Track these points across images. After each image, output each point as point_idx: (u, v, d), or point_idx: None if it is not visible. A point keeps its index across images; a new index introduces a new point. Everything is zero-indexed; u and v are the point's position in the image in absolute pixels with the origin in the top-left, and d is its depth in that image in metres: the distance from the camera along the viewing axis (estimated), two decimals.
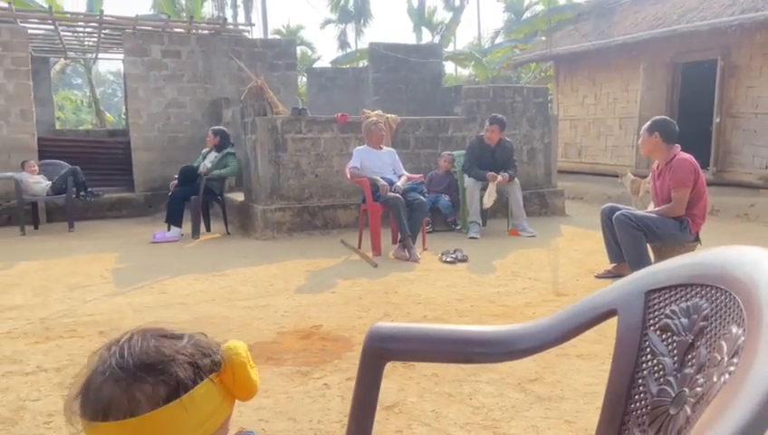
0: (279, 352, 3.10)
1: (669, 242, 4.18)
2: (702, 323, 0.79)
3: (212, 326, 3.47)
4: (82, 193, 7.47)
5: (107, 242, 6.62)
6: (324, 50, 71.67)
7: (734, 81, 8.21)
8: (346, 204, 7.10)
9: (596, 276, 4.58)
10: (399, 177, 6.03)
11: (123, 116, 13.16)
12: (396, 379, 2.71)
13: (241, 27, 10.26)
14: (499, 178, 6.49)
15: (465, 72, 23.72)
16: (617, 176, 8.30)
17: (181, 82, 9.11)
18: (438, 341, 1.14)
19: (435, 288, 4.40)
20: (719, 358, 0.70)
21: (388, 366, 2.91)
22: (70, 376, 2.80)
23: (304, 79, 16.67)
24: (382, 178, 5.82)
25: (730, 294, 0.75)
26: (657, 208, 4.28)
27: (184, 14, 16.66)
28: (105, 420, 0.69)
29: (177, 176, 7.07)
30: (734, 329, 0.69)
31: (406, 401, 2.50)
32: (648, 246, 4.20)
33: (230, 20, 18.98)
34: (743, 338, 0.66)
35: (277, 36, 24.74)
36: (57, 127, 12.77)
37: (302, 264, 5.30)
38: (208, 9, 22.59)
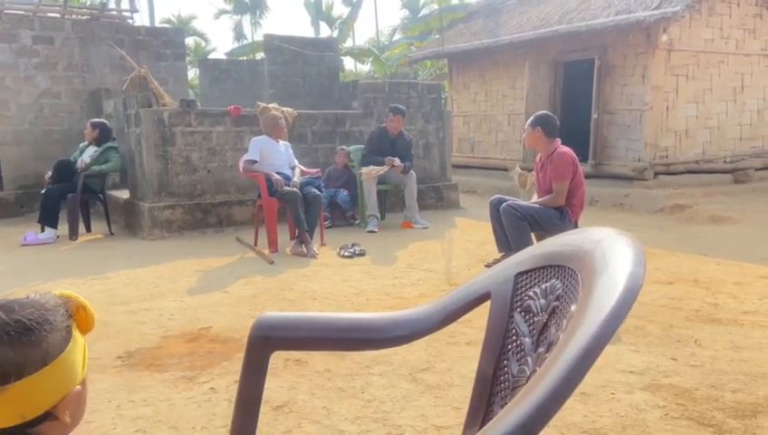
0: (162, 358, 2.92)
1: (551, 231, 4.38)
2: (555, 303, 0.80)
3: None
4: None
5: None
6: (219, 42, 69.32)
7: (610, 79, 8.81)
8: (241, 200, 6.88)
9: (486, 265, 4.73)
10: (293, 168, 5.93)
11: None
12: (288, 377, 2.64)
13: (124, 14, 9.60)
14: (396, 161, 6.59)
15: (365, 68, 23.87)
16: (506, 170, 8.67)
17: (55, 71, 8.40)
18: (324, 328, 1.11)
19: (332, 283, 4.35)
20: (560, 336, 0.71)
21: (280, 365, 2.82)
22: None
23: (197, 71, 16.00)
24: (279, 172, 5.68)
25: (576, 273, 0.76)
26: (539, 199, 4.48)
27: None
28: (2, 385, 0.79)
29: (50, 171, 6.51)
30: (572, 307, 0.70)
31: (296, 399, 2.43)
32: (533, 235, 4.39)
33: (112, 5, 17.75)
34: (574, 313, 0.67)
35: (166, 25, 23.57)
36: None
37: (192, 263, 5.06)
38: None
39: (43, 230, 6.18)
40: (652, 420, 2.17)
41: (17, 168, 8.15)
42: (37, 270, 4.87)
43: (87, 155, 6.59)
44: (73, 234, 6.29)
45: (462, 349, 2.94)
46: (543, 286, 0.85)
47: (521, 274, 0.94)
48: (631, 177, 8.52)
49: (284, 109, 7.31)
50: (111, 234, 6.60)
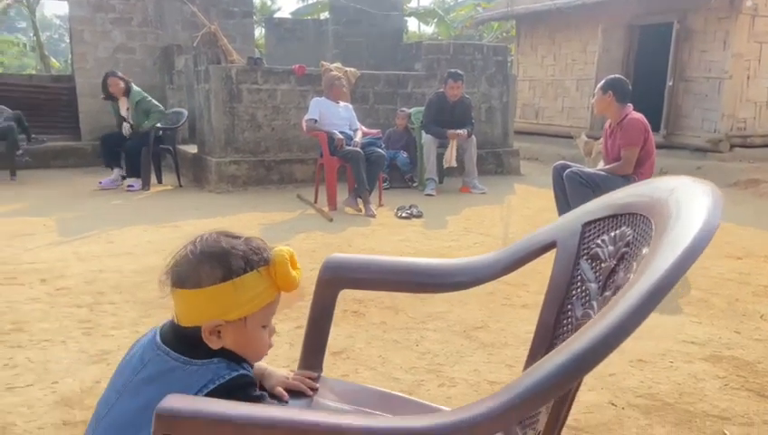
0: None
1: None
2: (624, 249, 0.81)
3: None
4: (19, 151, 7.10)
5: (51, 191, 6.37)
6: (284, 1, 69.36)
7: (688, 45, 8.34)
8: (303, 158, 6.99)
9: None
10: (355, 131, 5.96)
11: (70, 62, 12.52)
12: (346, 327, 2.73)
13: None
14: (460, 133, 6.50)
15: (429, 30, 23.43)
16: (572, 137, 8.43)
17: (130, 26, 8.68)
18: (390, 270, 1.16)
19: (389, 242, 4.41)
20: (630, 278, 0.72)
21: (339, 315, 2.92)
22: (8, 322, 2.71)
23: (263, 30, 16.15)
24: (340, 132, 5.74)
25: (649, 220, 0.76)
26: (606, 166, 4.35)
27: None
28: (182, 287, 0.94)
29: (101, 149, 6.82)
30: (644, 250, 0.70)
31: (354, 347, 2.52)
32: None
33: None
34: (646, 255, 0.68)
35: None
36: None
37: (256, 217, 5.23)
38: None
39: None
40: (710, 390, 2.14)
41: (94, 120, 8.54)
42: (113, 216, 5.16)
43: (124, 112, 6.67)
44: (146, 184, 6.60)
45: (517, 311, 2.95)
46: (613, 234, 0.85)
47: (588, 223, 0.94)
48: (705, 148, 8.13)
49: (347, 69, 7.33)
50: (180, 186, 6.87)
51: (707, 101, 8.19)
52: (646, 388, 2.16)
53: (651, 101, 8.43)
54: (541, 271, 1.08)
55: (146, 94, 6.74)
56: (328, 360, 2.39)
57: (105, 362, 2.34)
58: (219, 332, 0.94)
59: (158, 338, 0.97)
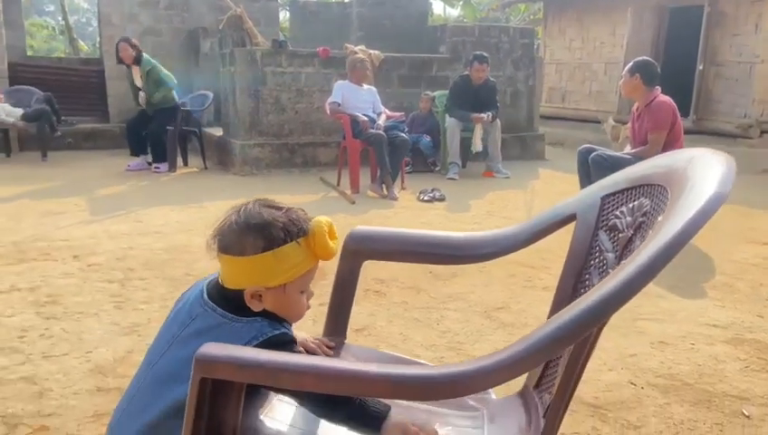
0: None
1: None
2: (641, 219, 0.83)
3: (188, 254, 3.48)
4: (58, 133, 7.28)
5: (81, 172, 6.52)
6: None
7: (720, 28, 8.15)
8: (326, 142, 7.03)
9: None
10: (379, 115, 5.97)
11: (98, 45, 12.70)
12: (367, 305, 2.78)
13: None
14: (484, 117, 6.46)
15: (455, 12, 23.16)
16: (599, 122, 8.33)
17: (157, 9, 8.77)
18: (412, 242, 1.19)
19: (411, 225, 4.44)
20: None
21: (360, 294, 2.97)
22: (44, 295, 2.82)
23: (287, 13, 16.14)
24: (363, 115, 5.76)
25: (666, 189, 0.78)
26: (632, 150, 4.31)
27: None
28: (226, 254, 1.00)
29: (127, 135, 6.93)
30: (660, 217, 0.72)
31: (375, 324, 2.57)
32: None
33: None
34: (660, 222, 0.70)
35: None
36: (28, 54, 12.28)
37: (279, 199, 5.23)
38: None
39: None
40: (731, 372, 2.14)
41: (122, 102, 8.67)
42: (141, 197, 5.28)
43: (138, 82, 6.70)
44: (172, 166, 6.72)
45: (538, 293, 2.96)
46: (631, 205, 0.87)
47: (608, 195, 0.96)
48: (735, 134, 7.96)
49: (371, 51, 7.32)
50: (206, 168, 6.98)
51: (738, 86, 8.00)
52: (666, 368, 2.17)
53: (681, 85, 8.27)
54: (562, 255, 1.10)
55: (157, 64, 6.69)
56: (350, 336, 2.44)
57: (136, 334, 2.42)
58: (260, 296, 1.01)
59: (204, 295, 1.04)
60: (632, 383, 2.07)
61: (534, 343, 0.65)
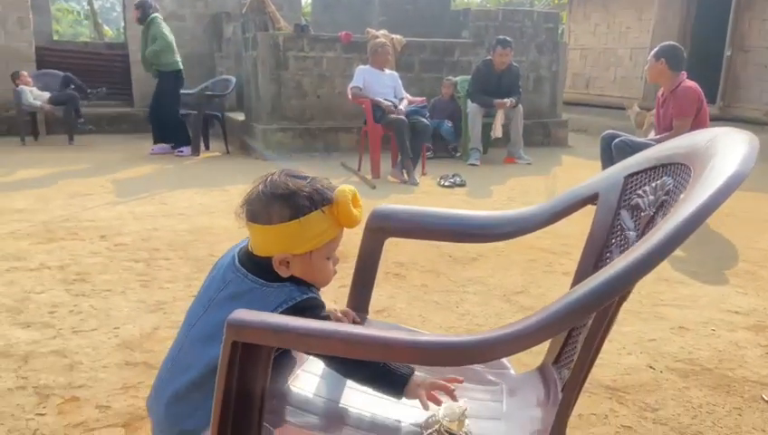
0: None
1: None
2: (664, 198, 0.83)
3: (210, 235, 3.55)
4: (81, 120, 7.39)
5: (107, 155, 6.64)
6: None
7: (749, 12, 7.95)
8: (347, 127, 7.05)
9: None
10: (400, 100, 5.96)
11: (122, 30, 12.82)
12: (387, 288, 2.81)
13: None
14: (507, 102, 6.41)
15: None
16: (624, 108, 8.20)
17: None
18: (434, 220, 1.21)
19: None
20: None
21: (380, 277, 3.00)
22: (73, 273, 2.90)
23: None
24: (385, 100, 5.75)
25: (688, 167, 0.79)
26: (657, 136, 4.26)
27: None
28: (254, 222, 1.04)
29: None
30: (681, 195, 0.73)
31: (395, 306, 2.60)
32: None
33: None
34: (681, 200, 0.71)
35: None
36: (54, 39, 12.46)
37: None
38: None
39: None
40: (751, 358, 2.13)
41: (147, 86, 8.76)
42: (165, 179, 5.36)
43: (142, 41, 6.74)
44: (195, 150, 6.81)
45: (558, 277, 2.97)
46: (654, 184, 0.88)
47: (631, 175, 0.97)
48: (763, 121, 7.80)
49: (393, 36, 7.30)
50: (228, 153, 7.05)
51: (767, 73, 7.82)
52: (686, 353, 2.17)
53: (708, 71, 8.11)
54: (584, 241, 1.10)
55: (159, 21, 6.60)
56: (370, 318, 2.49)
57: (162, 312, 2.48)
58: (288, 263, 1.05)
59: (236, 261, 1.08)
60: (651, 367, 2.07)
61: (560, 310, 0.67)
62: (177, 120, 6.75)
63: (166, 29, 6.61)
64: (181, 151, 6.73)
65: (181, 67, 6.77)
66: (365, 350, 0.70)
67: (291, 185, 1.03)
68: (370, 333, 0.72)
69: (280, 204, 1.02)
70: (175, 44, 6.71)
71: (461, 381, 0.98)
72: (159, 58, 6.58)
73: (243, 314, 0.77)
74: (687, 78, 4.21)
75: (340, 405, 1.01)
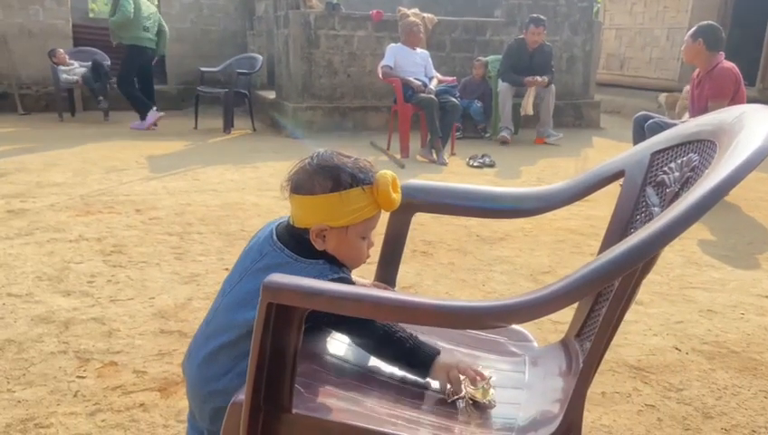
0: None
1: None
2: (689, 174, 0.84)
3: (241, 211, 3.62)
4: (100, 98, 7.46)
5: (141, 132, 6.78)
6: None
7: None
8: (377, 106, 7.05)
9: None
10: (431, 79, 5.93)
11: (157, 7, 12.96)
12: (415, 265, 2.84)
13: None
14: (539, 79, 6.33)
15: None
16: (661, 90, 8.02)
17: None
18: (462, 195, 1.23)
19: None
20: None
21: (408, 254, 3.02)
22: (110, 245, 3.00)
23: None
24: (415, 79, 5.73)
25: (714, 144, 0.80)
26: (691, 118, 4.17)
27: None
28: (298, 193, 1.09)
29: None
30: (706, 171, 0.74)
31: (422, 283, 2.63)
32: None
33: None
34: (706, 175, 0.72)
35: None
36: (90, 17, 12.66)
37: None
38: None
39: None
40: None
41: (179, 64, 8.90)
42: (197, 156, 5.46)
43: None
44: (226, 128, 6.89)
45: (586, 258, 2.96)
46: (680, 161, 0.89)
47: (657, 152, 0.98)
48: None
49: (424, 15, 7.24)
50: (254, 130, 7.11)
51: None
52: (713, 336, 2.16)
53: (748, 52, 7.87)
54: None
55: None
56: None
57: (195, 283, 2.56)
58: (324, 235, 1.09)
59: (274, 236, 1.14)
60: (677, 349, 2.07)
61: (585, 275, 0.69)
62: (129, 94, 6.82)
63: (129, 3, 6.46)
64: (134, 125, 6.80)
65: (143, 45, 6.72)
66: (394, 313, 0.74)
67: (336, 160, 1.09)
68: (399, 297, 0.75)
69: (323, 176, 1.07)
70: (143, 18, 6.61)
71: (485, 378, 1.01)
72: (120, 30, 6.58)
73: (278, 278, 0.81)
74: (726, 59, 4.11)
75: (369, 369, 1.05)
